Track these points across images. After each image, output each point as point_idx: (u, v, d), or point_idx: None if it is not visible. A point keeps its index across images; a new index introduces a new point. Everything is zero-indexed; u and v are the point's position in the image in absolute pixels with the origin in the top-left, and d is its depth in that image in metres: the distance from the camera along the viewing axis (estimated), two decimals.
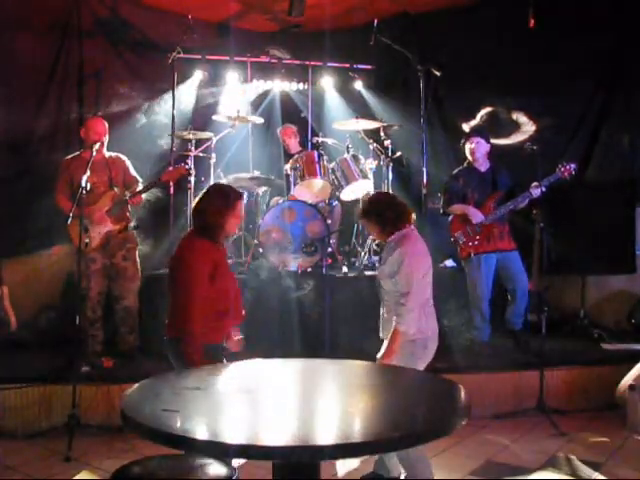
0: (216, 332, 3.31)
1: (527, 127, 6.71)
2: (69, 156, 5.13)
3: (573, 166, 5.15)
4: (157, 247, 5.85)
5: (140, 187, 5.11)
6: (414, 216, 3.57)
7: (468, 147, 5.48)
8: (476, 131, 5.76)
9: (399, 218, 3.48)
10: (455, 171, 5.57)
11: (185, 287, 3.21)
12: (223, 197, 3.39)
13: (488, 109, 6.90)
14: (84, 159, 4.83)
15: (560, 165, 5.18)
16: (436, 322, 3.50)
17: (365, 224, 3.56)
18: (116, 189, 5.01)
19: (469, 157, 5.50)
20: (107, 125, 5.11)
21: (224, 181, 6.35)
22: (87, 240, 4.72)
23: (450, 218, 5.48)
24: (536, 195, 5.15)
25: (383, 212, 3.48)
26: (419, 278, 3.37)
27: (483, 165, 5.50)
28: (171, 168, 5.40)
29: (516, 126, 6.69)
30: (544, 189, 5.13)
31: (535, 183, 5.14)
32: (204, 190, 3.56)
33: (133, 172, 5.20)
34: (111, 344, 5.14)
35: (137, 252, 5.21)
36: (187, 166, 5.26)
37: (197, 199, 3.48)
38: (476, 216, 5.30)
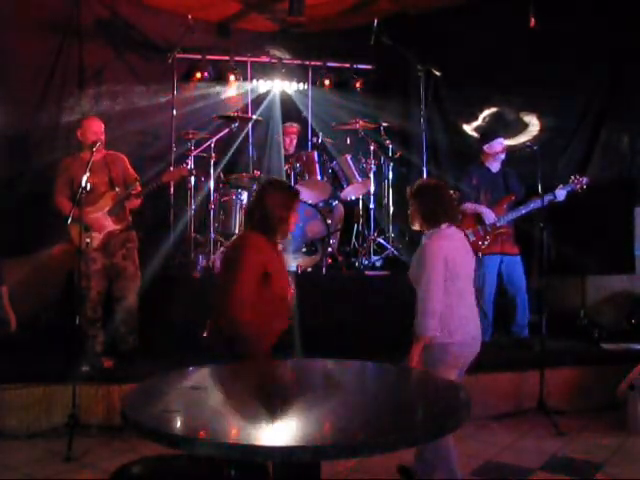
0: (264, 338, 3.22)
1: (533, 128, 6.70)
2: (68, 157, 5.12)
3: (585, 180, 5.21)
4: (157, 247, 5.85)
5: (139, 187, 5.10)
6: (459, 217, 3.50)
7: (494, 146, 5.44)
8: (498, 132, 5.77)
9: (444, 213, 3.35)
10: (467, 169, 5.54)
11: (234, 281, 3.14)
12: (286, 190, 3.35)
13: (492, 109, 6.90)
14: (83, 159, 4.83)
15: (573, 177, 5.24)
16: (473, 327, 3.34)
17: (411, 207, 3.43)
18: (117, 189, 5.01)
19: (490, 156, 5.46)
20: (103, 124, 5.09)
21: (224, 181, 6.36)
22: (88, 240, 4.72)
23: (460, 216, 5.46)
24: (560, 198, 5.19)
25: (428, 201, 3.36)
26: (439, 280, 3.22)
27: (494, 166, 5.49)
28: (172, 168, 5.39)
29: (523, 127, 6.67)
30: (564, 195, 5.19)
31: (560, 186, 5.20)
32: (263, 184, 3.48)
33: (132, 170, 5.19)
34: (111, 344, 5.13)
35: (137, 251, 5.20)
36: (188, 167, 5.25)
37: (257, 193, 3.39)
38: (489, 217, 5.29)
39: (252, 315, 3.09)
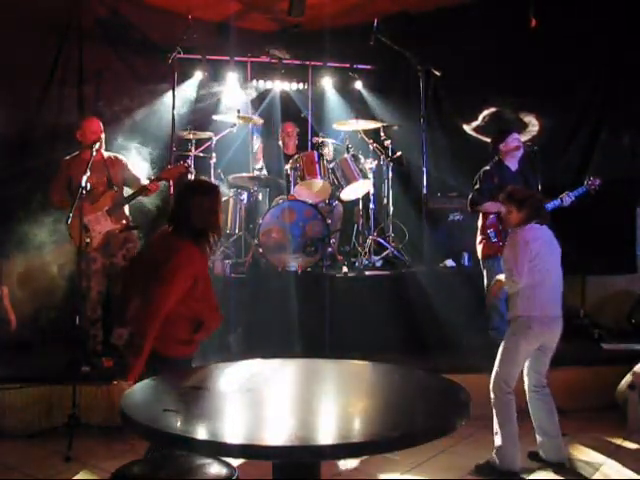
0: (188, 345, 3.18)
1: (532, 128, 6.68)
2: (67, 157, 5.13)
3: (598, 182, 5.19)
4: None
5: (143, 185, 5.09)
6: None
7: (510, 143, 5.29)
8: (511, 128, 5.65)
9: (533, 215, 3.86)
10: (487, 168, 5.36)
11: (160, 292, 3.04)
12: (209, 192, 3.22)
13: (492, 109, 6.89)
14: (83, 159, 4.84)
15: (587, 179, 5.20)
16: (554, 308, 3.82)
17: (511, 213, 3.93)
18: (115, 189, 5.01)
19: (507, 154, 5.30)
20: (102, 124, 5.09)
21: (224, 181, 6.36)
22: (88, 240, 4.72)
23: (480, 216, 5.34)
24: (566, 203, 5.13)
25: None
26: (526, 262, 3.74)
27: (513, 164, 5.35)
28: (170, 166, 5.40)
29: (523, 127, 6.64)
30: (573, 199, 5.14)
31: (566, 192, 5.16)
32: (183, 188, 3.35)
33: (134, 171, 5.19)
34: (111, 344, 5.13)
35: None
36: (186, 164, 5.26)
37: (177, 198, 3.27)
38: None
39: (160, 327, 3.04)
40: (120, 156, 5.20)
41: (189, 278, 3.07)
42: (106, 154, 5.10)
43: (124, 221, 5.06)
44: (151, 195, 5.14)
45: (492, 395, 3.79)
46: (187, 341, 3.14)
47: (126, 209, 5.16)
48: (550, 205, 5.13)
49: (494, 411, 3.78)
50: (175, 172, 5.18)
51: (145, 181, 5.09)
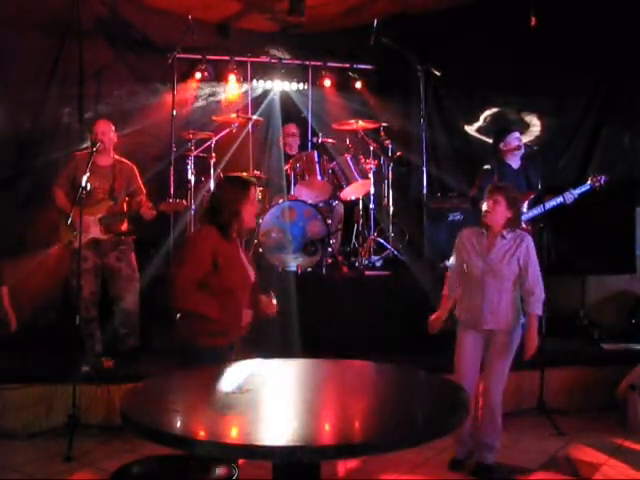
0: (219, 334, 3.24)
1: (534, 128, 6.67)
2: (79, 151, 5.14)
3: (604, 179, 5.16)
4: (158, 247, 5.85)
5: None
6: None
7: (511, 142, 5.26)
8: (511, 127, 5.63)
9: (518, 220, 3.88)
10: (487, 166, 5.32)
11: (177, 262, 3.29)
12: (237, 185, 3.39)
13: (493, 109, 6.88)
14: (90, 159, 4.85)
15: (593, 176, 5.17)
16: None
17: (499, 205, 3.75)
18: (115, 200, 4.99)
19: (509, 152, 5.27)
20: (108, 126, 5.07)
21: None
22: (72, 239, 4.73)
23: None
24: (569, 201, 5.11)
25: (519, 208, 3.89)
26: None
27: (515, 162, 5.32)
28: (171, 200, 5.39)
29: (525, 127, 6.63)
30: (576, 197, 5.12)
31: (569, 190, 5.15)
32: (217, 181, 3.54)
33: (139, 182, 5.18)
34: (111, 344, 5.13)
35: (133, 253, 5.16)
36: (187, 204, 5.27)
37: (213, 190, 3.44)
38: None
39: (196, 306, 3.21)
40: (130, 163, 5.19)
41: (205, 251, 3.18)
42: (117, 159, 5.10)
43: (115, 232, 5.01)
44: (146, 219, 5.03)
45: (492, 400, 3.81)
46: (213, 332, 3.21)
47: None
48: (553, 203, 5.12)
49: (488, 414, 3.81)
50: (174, 207, 5.15)
51: (146, 202, 5.07)
